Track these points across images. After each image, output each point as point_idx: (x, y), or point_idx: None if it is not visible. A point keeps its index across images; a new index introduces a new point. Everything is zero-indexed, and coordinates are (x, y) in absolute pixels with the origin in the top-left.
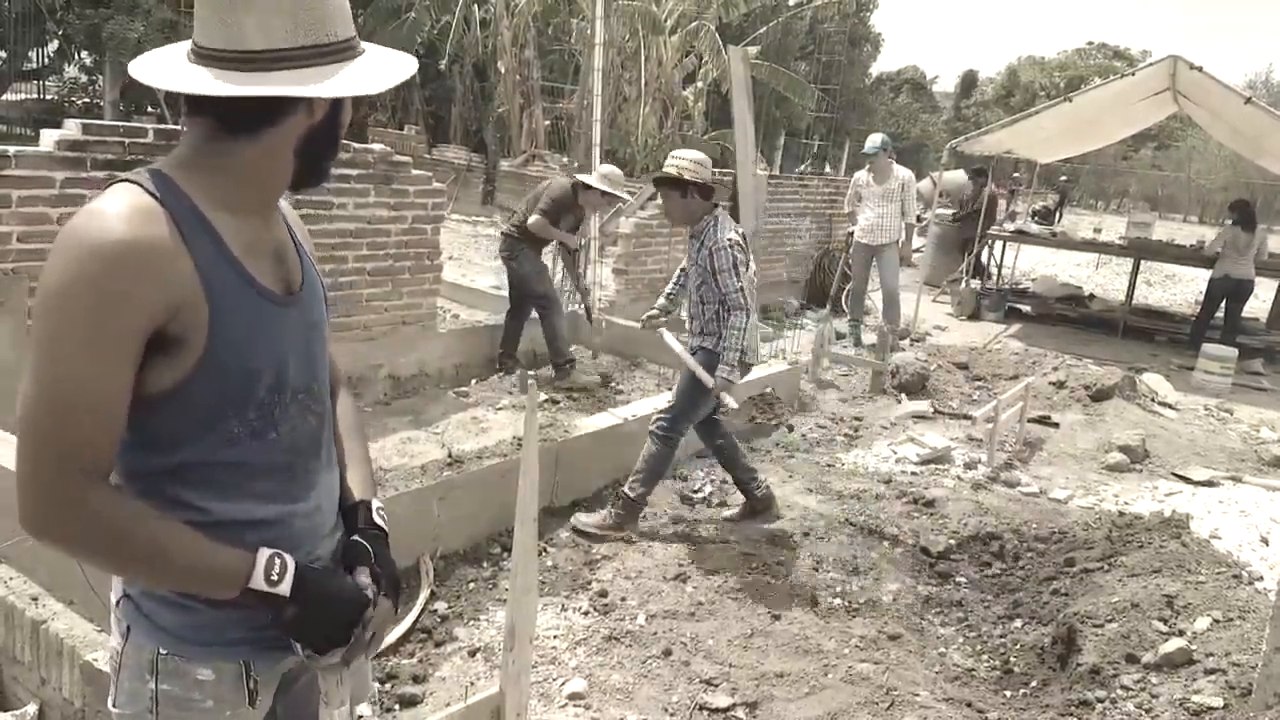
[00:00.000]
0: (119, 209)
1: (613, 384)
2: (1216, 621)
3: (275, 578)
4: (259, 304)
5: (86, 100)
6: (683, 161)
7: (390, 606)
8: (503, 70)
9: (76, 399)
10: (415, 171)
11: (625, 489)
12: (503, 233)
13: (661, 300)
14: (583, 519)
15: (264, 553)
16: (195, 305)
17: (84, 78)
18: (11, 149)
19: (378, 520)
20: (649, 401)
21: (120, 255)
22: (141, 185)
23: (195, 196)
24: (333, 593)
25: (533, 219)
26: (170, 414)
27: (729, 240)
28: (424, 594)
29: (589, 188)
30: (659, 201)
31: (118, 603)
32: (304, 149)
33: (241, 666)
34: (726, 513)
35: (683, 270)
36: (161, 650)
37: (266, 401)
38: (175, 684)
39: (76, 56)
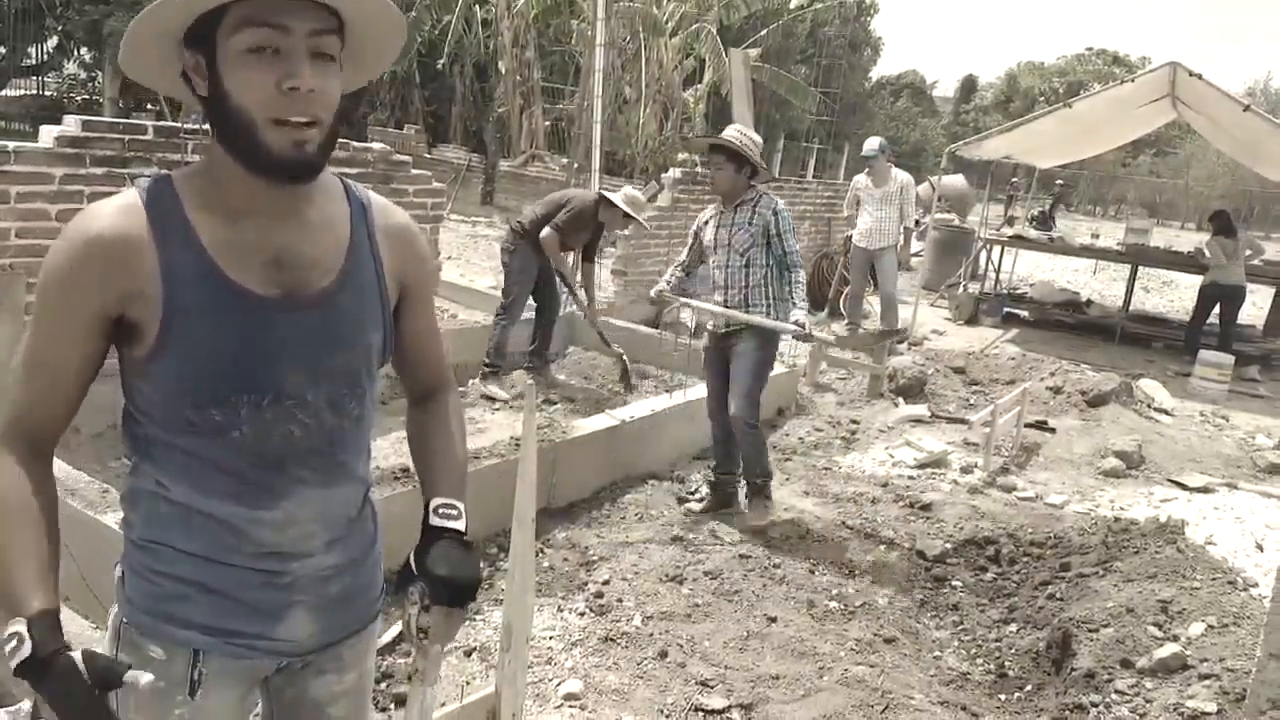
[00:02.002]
0: (101, 206)
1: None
2: (1211, 627)
3: (8, 650)
4: (232, 302)
5: (86, 97)
6: (745, 138)
7: (443, 618)
8: (503, 70)
9: (32, 370)
10: (415, 171)
11: (758, 480)
12: (509, 226)
13: (670, 277)
14: (754, 522)
15: (15, 625)
16: (152, 296)
17: (84, 74)
18: (11, 145)
19: (433, 521)
20: (648, 403)
21: (83, 245)
22: (138, 186)
23: (186, 199)
24: (60, 695)
25: (546, 232)
26: (139, 389)
27: (783, 205)
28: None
29: (612, 205)
30: (659, 203)
31: (116, 567)
32: (215, 129)
33: (191, 654)
34: (694, 505)
35: (692, 248)
36: (124, 619)
37: (230, 399)
38: (131, 656)
39: (76, 53)
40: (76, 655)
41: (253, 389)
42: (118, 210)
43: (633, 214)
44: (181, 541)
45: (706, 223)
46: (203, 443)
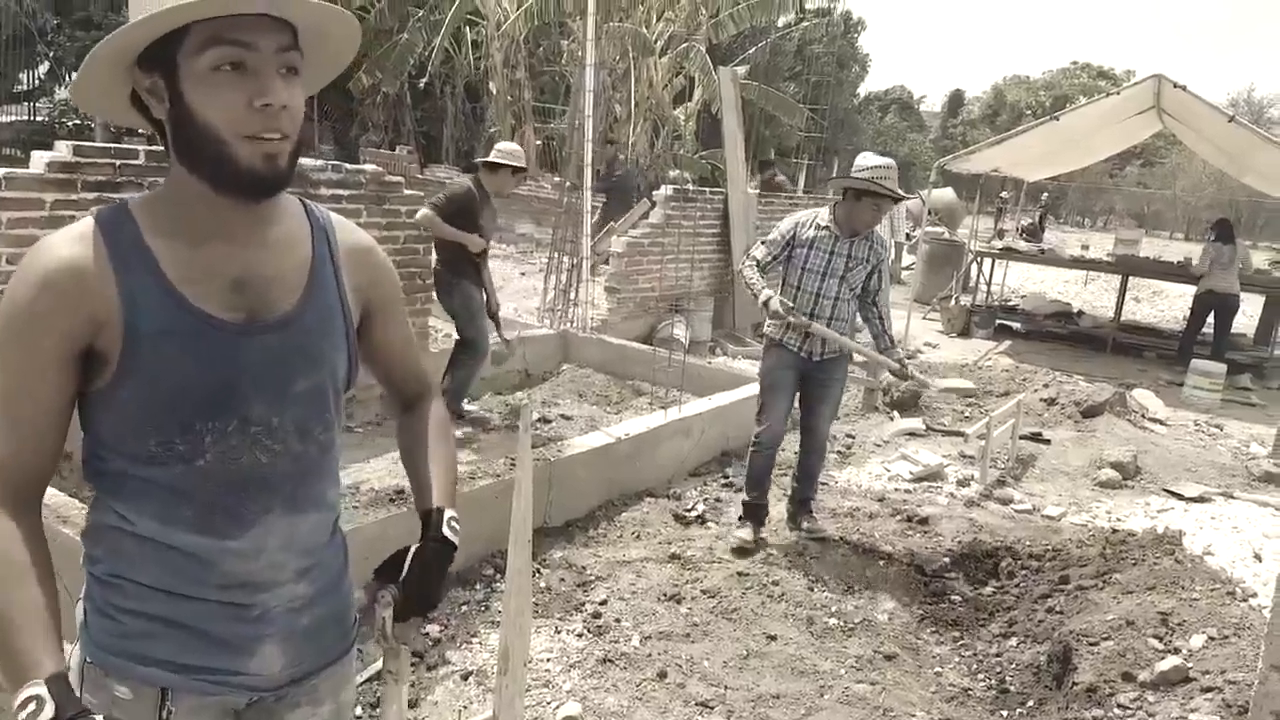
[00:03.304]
0: (56, 237)
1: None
2: (1212, 639)
3: (26, 714)
4: (193, 327)
5: (77, 122)
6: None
7: (407, 625)
8: (494, 91)
9: (6, 418)
10: (407, 192)
11: (813, 497)
12: (433, 269)
13: (763, 280)
14: (823, 527)
15: (33, 688)
16: (113, 325)
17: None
18: (1, 171)
19: (446, 533)
20: (643, 420)
21: (43, 279)
22: (94, 216)
23: (144, 225)
24: None
25: (421, 211)
26: (99, 422)
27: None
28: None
29: (494, 169)
30: (651, 220)
31: (77, 604)
32: (178, 149)
33: (159, 693)
34: (745, 535)
35: (779, 256)
36: (87, 659)
37: (195, 426)
38: (96, 696)
39: (67, 78)
40: (99, 718)
41: (217, 416)
42: (73, 240)
43: (513, 163)
44: (147, 576)
45: (811, 243)
46: (167, 473)
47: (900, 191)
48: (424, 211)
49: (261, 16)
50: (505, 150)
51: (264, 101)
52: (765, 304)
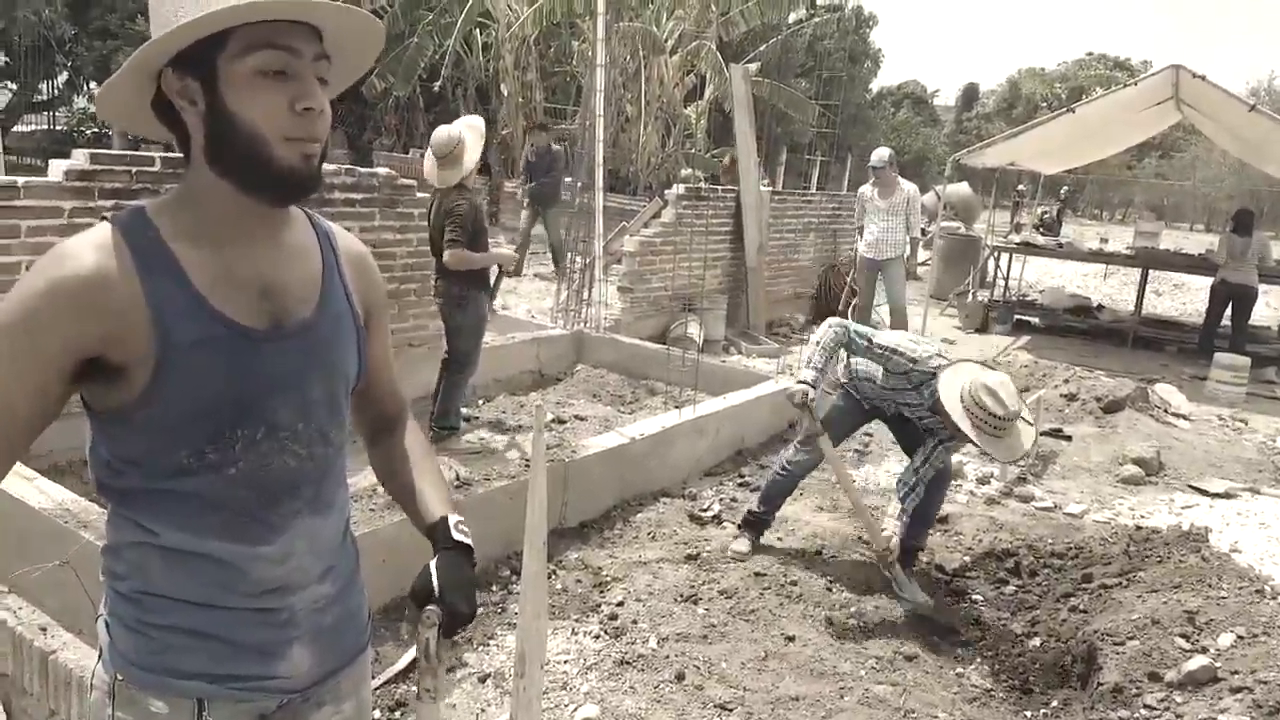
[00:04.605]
0: (75, 244)
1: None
2: (1241, 638)
3: None
4: (223, 336)
5: (95, 130)
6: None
7: (448, 642)
8: (506, 93)
9: None
10: (420, 194)
11: (917, 544)
12: (439, 279)
13: (812, 374)
14: (908, 599)
15: None
16: (140, 335)
17: (93, 108)
18: (20, 179)
19: (456, 536)
20: (658, 420)
21: (62, 287)
22: (113, 221)
23: (165, 231)
24: None
25: (448, 255)
26: (121, 437)
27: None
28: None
29: (458, 162)
30: (663, 219)
31: (99, 621)
32: (212, 152)
33: (195, 704)
34: (741, 548)
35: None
36: (119, 676)
37: (225, 435)
38: (129, 713)
39: (86, 88)
40: None
41: (246, 424)
42: (93, 248)
43: (478, 142)
44: (174, 589)
45: (869, 373)
46: (197, 482)
47: (1015, 449)
48: (451, 253)
49: (298, 23)
50: (441, 146)
51: (306, 105)
52: (791, 393)
